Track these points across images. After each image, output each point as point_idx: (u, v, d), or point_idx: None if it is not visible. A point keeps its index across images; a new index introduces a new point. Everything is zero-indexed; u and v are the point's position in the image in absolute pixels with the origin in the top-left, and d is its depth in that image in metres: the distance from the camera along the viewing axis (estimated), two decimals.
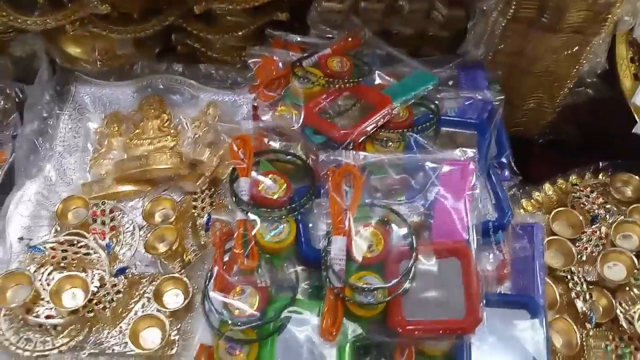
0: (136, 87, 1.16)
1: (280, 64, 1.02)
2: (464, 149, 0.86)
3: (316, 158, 0.89)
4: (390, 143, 0.91)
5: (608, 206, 1.10)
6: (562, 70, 1.07)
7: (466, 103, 0.99)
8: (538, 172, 1.18)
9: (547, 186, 1.14)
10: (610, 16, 0.93)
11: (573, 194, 1.12)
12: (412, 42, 1.15)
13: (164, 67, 1.17)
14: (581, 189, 1.12)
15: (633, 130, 1.03)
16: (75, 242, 0.98)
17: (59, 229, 1.01)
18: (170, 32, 1.15)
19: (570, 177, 1.15)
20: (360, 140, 0.90)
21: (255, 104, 0.97)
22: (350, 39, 1.06)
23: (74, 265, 0.95)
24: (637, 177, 1.10)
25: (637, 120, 1.05)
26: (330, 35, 1.09)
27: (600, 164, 1.14)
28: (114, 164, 1.07)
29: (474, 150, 0.86)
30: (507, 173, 0.97)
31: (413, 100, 0.95)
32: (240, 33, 1.11)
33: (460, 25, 1.09)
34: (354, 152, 0.87)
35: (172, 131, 1.10)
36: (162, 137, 1.09)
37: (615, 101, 1.11)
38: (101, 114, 1.15)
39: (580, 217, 1.08)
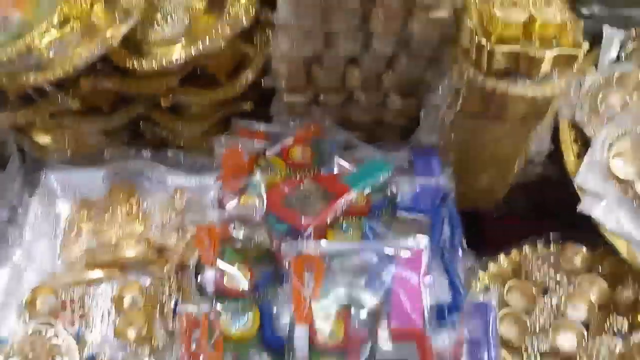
0: (106, 173, 1.19)
1: (245, 153, 1.08)
2: (418, 235, 0.93)
3: (279, 246, 0.94)
4: (350, 230, 0.97)
5: (559, 277, 1.17)
6: (510, 154, 1.15)
7: (420, 189, 1.05)
8: (495, 243, 1.25)
9: (502, 257, 1.21)
10: (550, 109, 1.02)
11: (525, 266, 1.19)
12: (370, 128, 1.23)
13: (133, 153, 1.21)
14: (533, 260, 1.19)
15: (578, 209, 1.11)
16: (44, 331, 0.99)
17: (27, 319, 1.02)
18: (139, 120, 1.20)
19: (524, 248, 1.22)
20: (321, 228, 0.95)
21: (221, 193, 1.02)
22: (311, 128, 1.13)
23: (42, 356, 0.96)
24: (585, 248, 1.17)
25: (581, 199, 1.12)
26: (293, 123, 1.16)
27: (552, 235, 1.21)
28: (83, 251, 1.10)
29: (427, 237, 0.92)
30: (460, 254, 1.03)
31: (370, 187, 1.02)
32: (206, 123, 1.17)
33: (414, 113, 1.17)
34: (315, 241, 0.92)
35: (140, 217, 1.13)
36: (130, 223, 1.12)
37: (563, 178, 1.19)
38: (71, 200, 1.18)
39: (533, 288, 1.15)
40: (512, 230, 1.30)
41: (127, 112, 1.14)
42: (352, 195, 1.00)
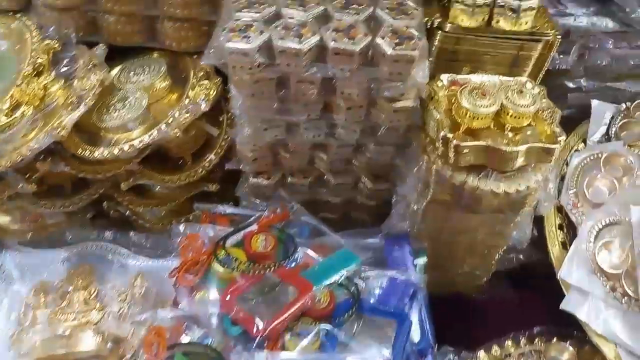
0: (65, 255, 1.14)
1: (205, 241, 1.03)
2: (381, 347, 0.86)
3: (232, 351, 0.88)
4: (308, 337, 0.89)
5: None
6: (489, 242, 1.08)
7: (390, 284, 0.98)
8: (478, 331, 1.17)
9: (481, 354, 1.12)
10: (528, 201, 0.95)
11: None
12: (341, 208, 1.17)
13: (94, 235, 1.16)
14: (516, 357, 1.10)
15: (561, 307, 1.03)
16: None
17: None
18: (102, 199, 1.16)
19: (506, 344, 1.13)
20: (277, 334, 0.88)
21: (176, 289, 0.96)
22: (277, 213, 1.07)
23: None
24: (571, 349, 1.08)
25: (565, 294, 1.04)
26: (258, 206, 1.10)
27: (535, 330, 1.13)
28: (36, 343, 1.04)
29: (390, 350, 0.85)
30: (431, 356, 0.96)
31: (335, 284, 0.95)
32: (170, 204, 1.12)
33: (387, 195, 1.11)
34: (268, 353, 0.85)
35: (97, 305, 1.08)
36: (87, 312, 1.06)
37: (548, 266, 1.12)
38: (28, 283, 1.12)
39: None
40: (495, 317, 1.22)
41: (89, 193, 1.10)
42: (314, 293, 0.93)
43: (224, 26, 0.83)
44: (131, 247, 1.16)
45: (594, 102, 1.26)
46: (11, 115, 0.94)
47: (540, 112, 0.92)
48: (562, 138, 0.91)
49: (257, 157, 1.05)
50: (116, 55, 1.11)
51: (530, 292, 1.23)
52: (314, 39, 0.82)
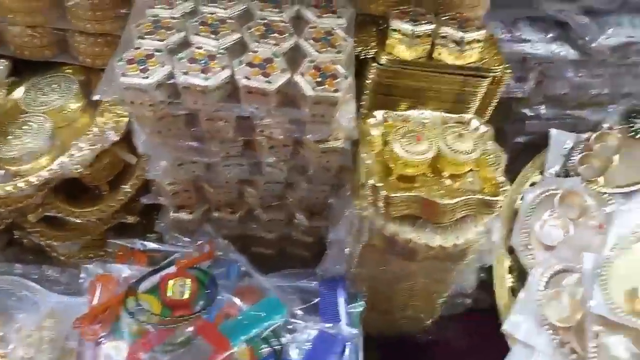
0: None
1: (118, 283, 0.92)
2: None
3: None
4: None
5: None
6: (431, 288, 0.99)
7: (318, 339, 0.89)
8: None
9: None
10: (467, 256, 0.87)
11: None
12: (277, 244, 1.07)
13: (3, 267, 1.05)
14: None
15: None
16: None
17: None
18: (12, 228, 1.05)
19: None
20: None
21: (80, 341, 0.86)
22: (204, 250, 0.97)
23: None
24: None
25: (510, 348, 0.96)
26: (183, 244, 1.00)
27: None
28: None
29: None
30: None
31: (256, 339, 0.86)
32: (85, 237, 1.02)
33: (324, 232, 1.02)
34: None
35: (2, 349, 0.97)
36: None
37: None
38: None
39: None
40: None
41: None
42: (232, 352, 0.83)
43: (121, 56, 0.72)
44: (44, 281, 1.06)
45: (553, 132, 1.17)
46: None
47: (484, 156, 0.83)
48: (507, 188, 0.82)
49: (178, 191, 0.94)
50: (24, 69, 1.00)
51: (479, 336, 1.14)
52: (223, 75, 0.71)
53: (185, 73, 0.71)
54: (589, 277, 0.94)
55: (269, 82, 0.71)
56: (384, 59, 0.83)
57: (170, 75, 0.71)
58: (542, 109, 1.19)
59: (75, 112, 0.96)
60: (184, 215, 0.98)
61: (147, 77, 0.70)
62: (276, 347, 0.87)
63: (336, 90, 0.72)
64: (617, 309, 0.88)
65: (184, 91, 0.72)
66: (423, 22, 0.82)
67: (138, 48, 0.73)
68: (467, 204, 0.79)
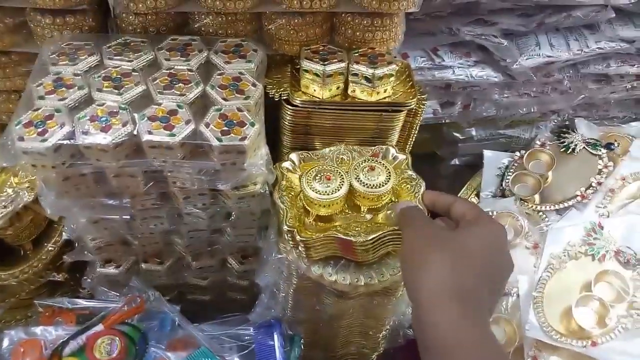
0: None
1: (44, 347, 0.89)
2: None
3: None
4: None
5: None
6: (370, 323, 0.98)
7: None
8: None
9: None
10: (398, 289, 0.86)
11: None
12: (213, 289, 1.05)
13: None
14: None
15: None
16: None
17: None
18: None
19: None
20: None
21: None
22: (132, 304, 0.94)
23: None
24: None
25: None
26: (113, 299, 0.97)
27: None
28: None
29: None
30: None
31: None
32: (10, 301, 0.98)
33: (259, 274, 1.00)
34: None
35: None
36: None
37: None
38: None
39: None
40: None
41: None
42: None
43: (19, 119, 0.70)
44: None
45: (486, 153, 1.18)
46: None
47: (403, 184, 0.83)
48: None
49: (102, 246, 0.92)
50: None
51: None
52: (125, 131, 0.69)
53: (86, 132, 0.69)
54: (525, 300, 0.94)
55: (172, 134, 0.70)
56: (297, 100, 0.83)
57: (71, 136, 0.69)
58: (474, 131, 1.20)
59: None
60: (111, 270, 0.96)
61: (45, 140, 0.68)
62: None
63: (243, 139, 0.71)
64: (551, 332, 0.88)
65: (86, 151, 0.70)
66: (334, 60, 0.81)
67: (37, 109, 0.71)
68: (387, 238, 0.78)
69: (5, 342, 0.90)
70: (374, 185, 0.77)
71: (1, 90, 0.91)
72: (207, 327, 0.96)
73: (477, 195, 1.17)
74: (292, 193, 0.81)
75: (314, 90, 0.83)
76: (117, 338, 0.89)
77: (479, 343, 0.56)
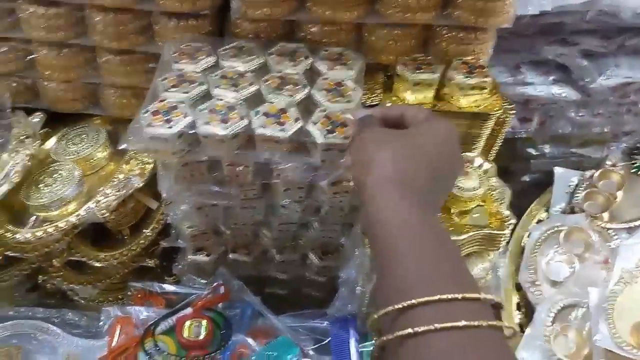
0: None
1: (138, 325, 0.96)
2: None
3: None
4: None
5: None
6: None
7: None
8: None
9: None
10: None
11: None
12: (291, 284, 1.11)
13: (25, 312, 1.09)
14: None
15: None
16: None
17: None
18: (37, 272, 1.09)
19: None
20: None
21: None
22: (217, 292, 1.01)
23: None
24: None
25: None
26: (199, 286, 1.04)
27: None
28: None
29: None
30: None
31: None
32: (105, 282, 1.06)
33: (336, 271, 1.05)
34: None
35: None
36: None
37: None
38: None
39: None
40: None
41: (20, 268, 1.04)
42: None
43: (147, 108, 0.78)
44: (65, 325, 1.09)
45: (557, 170, 1.21)
46: None
47: (489, 191, 0.88)
48: (512, 222, 0.86)
49: (196, 234, 0.99)
50: (56, 120, 1.06)
51: None
52: (241, 125, 0.77)
53: (206, 123, 0.76)
54: (595, 312, 0.96)
55: (282, 130, 0.76)
56: (389, 104, 0.89)
57: (192, 125, 0.77)
58: (547, 148, 1.24)
59: (101, 160, 1.02)
60: (201, 258, 1.02)
61: (170, 128, 0.76)
62: None
63: (346, 138, 0.77)
64: (622, 343, 0.90)
65: (205, 140, 0.77)
66: (428, 70, 0.87)
67: (163, 100, 0.79)
68: (474, 240, 0.83)
69: (103, 317, 0.98)
70: (467, 189, 0.82)
71: (119, 86, 0.99)
72: (285, 319, 1.02)
73: (547, 210, 1.21)
74: None
75: (406, 96, 0.89)
76: (205, 321, 0.95)
77: (419, 222, 0.56)
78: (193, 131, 0.76)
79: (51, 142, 1.04)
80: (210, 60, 0.87)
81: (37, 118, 1.01)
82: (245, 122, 0.77)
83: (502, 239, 0.84)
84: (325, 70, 0.86)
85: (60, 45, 0.96)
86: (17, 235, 0.91)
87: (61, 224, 0.91)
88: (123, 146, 0.78)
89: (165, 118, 0.77)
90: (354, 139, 0.70)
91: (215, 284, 1.02)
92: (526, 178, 1.29)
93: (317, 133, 0.77)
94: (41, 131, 1.03)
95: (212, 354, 0.91)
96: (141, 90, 1.01)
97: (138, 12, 0.90)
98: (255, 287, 1.06)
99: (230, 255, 1.03)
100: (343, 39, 0.91)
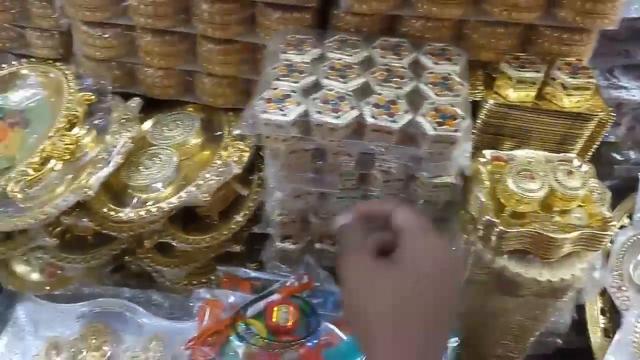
0: (81, 311, 1.11)
1: (226, 308, 0.98)
2: None
3: None
4: None
5: None
6: (526, 325, 1.01)
7: None
8: None
9: None
10: (569, 291, 0.89)
11: None
12: None
13: (112, 291, 1.13)
14: None
15: None
16: None
17: None
18: (123, 253, 1.12)
19: None
20: None
21: None
22: (302, 281, 1.02)
23: None
24: None
25: None
26: (283, 273, 1.05)
27: None
28: None
29: None
30: None
31: None
32: (193, 264, 1.08)
33: None
34: None
35: None
36: None
37: (588, 354, 1.04)
38: (41, 339, 1.09)
39: None
40: None
41: (110, 248, 1.07)
42: None
43: (261, 95, 0.80)
44: (150, 306, 1.12)
45: None
46: (40, 170, 0.92)
47: (589, 192, 0.87)
48: (614, 224, 0.86)
49: (286, 222, 1.00)
50: (149, 106, 1.09)
51: None
52: (352, 115, 0.78)
53: (319, 112, 0.78)
54: None
55: (393, 121, 0.77)
56: (491, 102, 0.89)
57: (305, 114, 0.78)
58: (632, 154, 1.22)
59: (195, 147, 1.04)
60: (288, 245, 1.04)
61: (285, 115, 0.78)
62: None
63: (456, 130, 0.77)
64: None
65: (316, 128, 0.79)
66: (531, 69, 0.87)
67: (275, 89, 0.81)
68: (578, 239, 0.82)
69: (193, 299, 1.01)
70: (570, 188, 0.82)
71: (216, 75, 1.02)
72: None
73: (629, 217, 1.19)
74: (486, 188, 0.86)
75: (508, 94, 0.89)
76: (292, 308, 0.97)
77: None
78: (305, 119, 0.78)
79: (146, 126, 1.07)
80: (317, 52, 0.88)
81: (135, 103, 1.04)
82: (356, 112, 0.78)
83: (605, 240, 0.83)
84: (430, 64, 0.87)
85: (163, 32, 0.98)
86: (121, 215, 0.94)
87: (163, 205, 0.94)
88: (237, 132, 0.81)
89: (279, 106, 0.79)
90: (339, 262, 0.59)
91: (300, 272, 1.04)
92: (608, 183, 1.27)
93: (427, 125, 0.78)
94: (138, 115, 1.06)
95: (302, 341, 0.92)
96: (237, 80, 1.03)
97: (244, 3, 0.92)
98: (335, 278, 1.07)
99: (317, 245, 1.04)
100: (444, 34, 0.92)
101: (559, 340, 1.09)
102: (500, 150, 0.92)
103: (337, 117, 0.77)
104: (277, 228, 1.02)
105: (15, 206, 0.91)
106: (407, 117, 0.78)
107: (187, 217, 1.08)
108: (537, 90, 0.89)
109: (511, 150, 0.91)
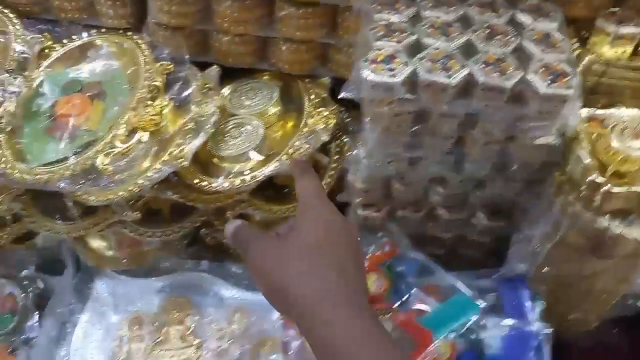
0: (160, 285, 1.11)
1: None
2: None
3: None
4: None
5: None
6: (611, 288, 1.01)
7: (511, 333, 0.92)
8: None
9: None
10: None
11: None
12: (450, 244, 1.11)
13: (190, 264, 1.12)
14: None
15: None
16: None
17: None
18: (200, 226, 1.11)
19: None
20: None
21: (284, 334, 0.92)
22: (386, 249, 1.02)
23: None
24: None
25: None
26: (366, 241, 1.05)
27: None
28: None
29: None
30: None
31: (455, 333, 0.90)
32: None
33: (501, 232, 1.05)
34: None
35: (195, 341, 1.04)
36: (185, 349, 1.02)
37: None
38: (122, 313, 1.09)
39: None
40: None
41: (190, 220, 1.05)
42: (436, 344, 0.87)
43: (365, 57, 0.78)
44: (229, 278, 1.12)
45: None
46: (127, 142, 0.90)
47: None
48: None
49: (369, 189, 0.99)
50: (222, 76, 1.07)
51: None
52: (463, 73, 0.76)
53: (429, 71, 0.76)
54: None
55: (505, 79, 0.76)
56: (587, 59, 0.87)
57: (413, 74, 0.76)
58: None
59: (273, 116, 1.02)
60: (370, 213, 1.03)
61: (394, 76, 0.76)
62: (475, 343, 0.90)
63: (568, 88, 0.76)
64: None
65: (424, 89, 0.77)
66: (630, 24, 0.85)
67: (379, 50, 0.79)
68: None
69: None
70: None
71: (295, 40, 0.99)
72: (451, 277, 1.02)
73: None
74: (586, 149, 0.85)
75: (604, 52, 0.87)
76: (382, 276, 0.97)
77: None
78: (414, 80, 0.76)
79: (225, 95, 1.05)
80: (412, 11, 0.86)
81: (213, 71, 1.02)
82: (466, 70, 0.77)
83: None
84: (529, 22, 0.85)
85: None
86: (214, 185, 0.93)
87: (257, 174, 0.92)
88: (342, 95, 0.79)
89: (387, 67, 0.77)
90: (247, 258, 0.62)
91: (384, 239, 1.03)
92: None
93: (539, 83, 0.76)
94: None
95: (395, 307, 0.92)
96: (315, 45, 1.01)
97: None
98: (414, 246, 1.06)
99: (399, 212, 1.03)
100: None
101: (639, 303, 1.09)
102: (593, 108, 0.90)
103: (448, 76, 0.76)
104: (361, 196, 1.01)
105: (105, 179, 0.90)
106: (519, 75, 0.77)
107: (262, 189, 1.07)
108: (634, 45, 0.87)
109: (605, 109, 0.90)
